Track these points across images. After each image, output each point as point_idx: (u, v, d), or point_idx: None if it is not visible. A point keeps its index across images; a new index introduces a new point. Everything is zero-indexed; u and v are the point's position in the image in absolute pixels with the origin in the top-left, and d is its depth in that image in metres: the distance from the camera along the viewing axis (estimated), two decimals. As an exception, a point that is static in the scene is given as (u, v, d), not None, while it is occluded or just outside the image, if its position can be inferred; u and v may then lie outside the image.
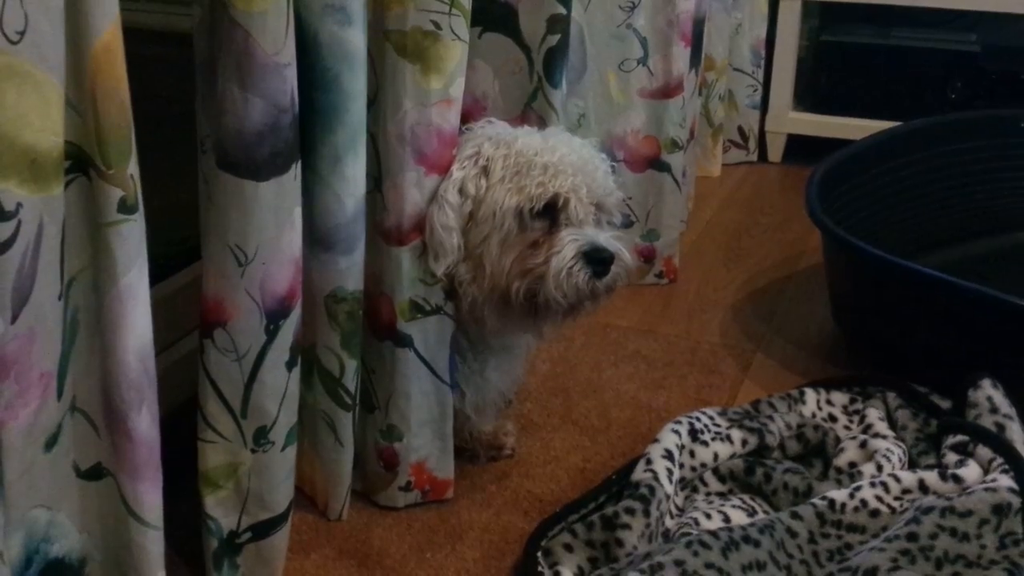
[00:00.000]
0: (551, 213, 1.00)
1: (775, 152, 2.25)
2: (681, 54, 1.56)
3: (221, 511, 0.98)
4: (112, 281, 0.70)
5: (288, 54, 0.84)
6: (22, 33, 0.60)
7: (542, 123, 1.27)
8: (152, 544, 0.77)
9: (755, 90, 2.19)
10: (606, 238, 1.01)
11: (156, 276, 1.13)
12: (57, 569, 0.75)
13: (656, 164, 1.61)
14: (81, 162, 0.69)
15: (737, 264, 1.77)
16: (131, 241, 0.70)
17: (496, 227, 0.99)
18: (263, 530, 0.99)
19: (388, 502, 1.12)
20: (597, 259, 0.99)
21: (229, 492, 0.97)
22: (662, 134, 1.59)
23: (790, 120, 2.21)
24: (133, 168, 0.69)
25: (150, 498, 0.76)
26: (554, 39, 1.24)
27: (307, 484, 1.13)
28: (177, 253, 1.18)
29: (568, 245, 0.99)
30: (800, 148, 2.20)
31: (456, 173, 1.00)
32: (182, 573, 1.01)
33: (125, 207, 0.69)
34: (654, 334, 1.52)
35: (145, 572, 0.78)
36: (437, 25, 0.95)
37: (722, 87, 2.10)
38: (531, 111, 1.28)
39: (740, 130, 2.23)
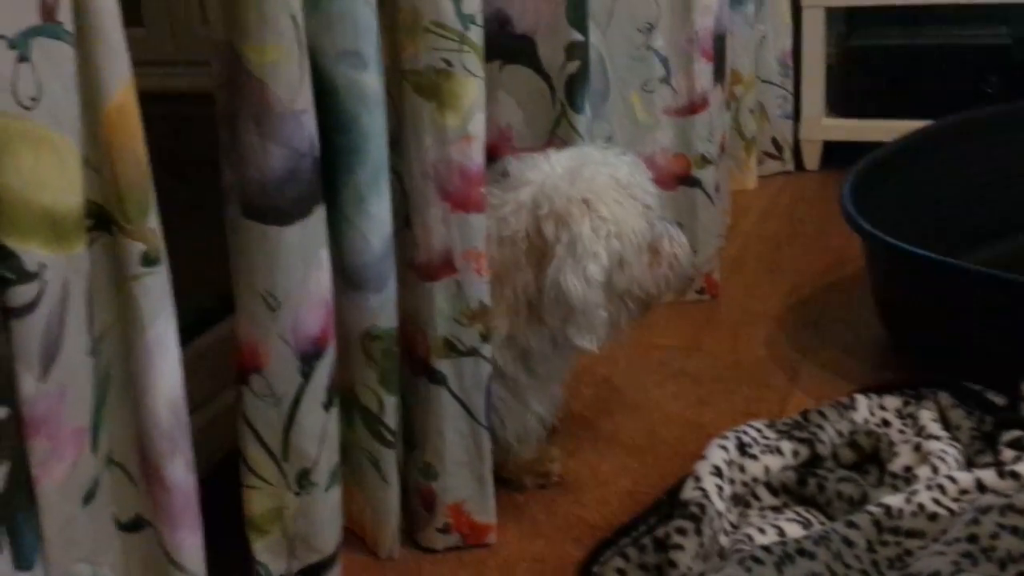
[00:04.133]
0: None
1: (811, 160, 2.23)
2: (703, 70, 1.55)
3: (270, 556, 0.98)
4: (139, 334, 0.71)
5: (304, 100, 0.86)
6: (36, 99, 0.62)
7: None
8: (195, 592, 0.78)
9: (785, 100, 2.18)
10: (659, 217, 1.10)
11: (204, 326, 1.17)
12: (105, 622, 0.76)
13: (687, 181, 1.61)
14: (103, 219, 0.71)
15: (779, 275, 1.75)
16: (155, 293, 0.71)
17: (641, 258, 1.05)
18: (313, 573, 0.99)
19: (427, 544, 1.11)
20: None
21: (276, 536, 0.98)
22: (691, 151, 1.59)
23: (824, 127, 2.18)
24: (153, 222, 0.70)
25: (190, 546, 0.77)
26: (574, 66, 1.25)
27: (356, 524, 1.13)
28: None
29: (675, 234, 1.08)
30: (837, 154, 2.17)
31: (601, 253, 1.01)
32: (237, 621, 1.02)
33: (148, 260, 0.70)
34: (698, 351, 1.51)
35: (191, 620, 0.79)
36: (449, 63, 0.96)
37: (751, 100, 2.09)
38: (556, 138, 1.29)
39: (774, 141, 2.21)
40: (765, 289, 1.70)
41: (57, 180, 0.64)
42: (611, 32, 1.53)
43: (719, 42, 1.66)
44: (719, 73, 1.70)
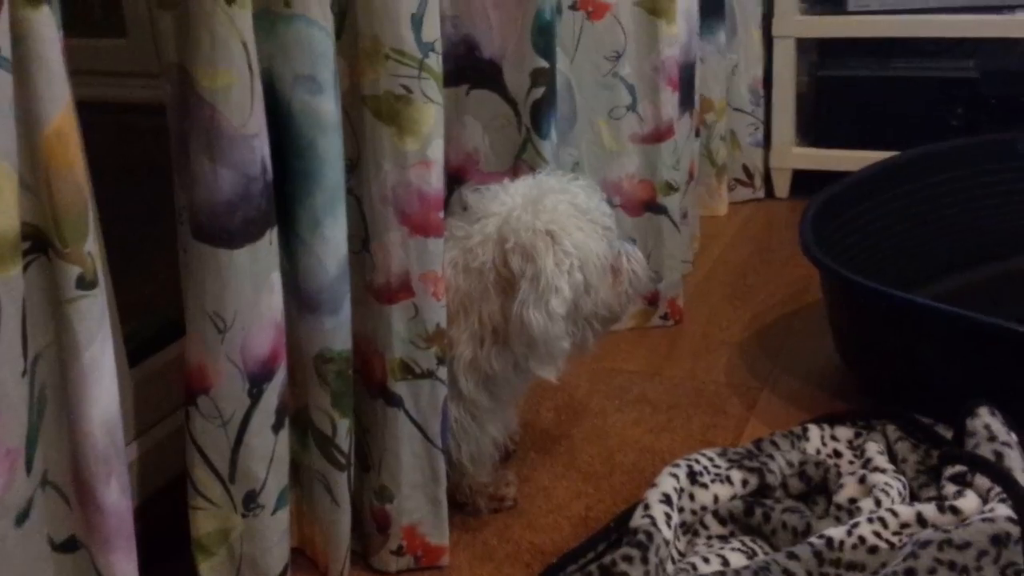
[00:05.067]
0: None
1: (781, 188, 2.25)
2: (669, 99, 1.57)
3: (216, 577, 0.98)
4: (75, 356, 0.71)
5: (255, 125, 0.87)
6: (-29, 123, 0.62)
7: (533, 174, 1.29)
8: (127, 616, 0.78)
9: (756, 128, 2.19)
10: (619, 238, 1.13)
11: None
12: (35, 644, 0.76)
13: (653, 207, 1.62)
14: (40, 242, 0.71)
15: (744, 302, 1.76)
16: (91, 316, 0.71)
17: (605, 281, 1.08)
18: (260, 596, 0.99)
19: (380, 566, 1.12)
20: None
21: (223, 558, 0.98)
22: (656, 177, 1.60)
23: (794, 155, 2.20)
24: (91, 246, 0.71)
25: (123, 569, 0.76)
26: (539, 92, 1.26)
27: (308, 546, 1.13)
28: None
29: (632, 253, 1.11)
30: (807, 183, 2.19)
31: (564, 288, 1.02)
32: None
33: (84, 283, 0.70)
34: (659, 377, 1.52)
35: (121, 644, 0.78)
36: (408, 89, 0.97)
37: (723, 127, 2.11)
38: (522, 163, 1.30)
39: (745, 168, 2.23)
40: (728, 316, 1.71)
41: (-7, 203, 0.64)
42: (578, 59, 1.54)
43: (686, 71, 1.68)
44: (686, 101, 1.71)
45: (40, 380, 0.73)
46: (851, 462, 1.19)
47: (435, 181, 1.01)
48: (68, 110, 0.67)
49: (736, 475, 1.12)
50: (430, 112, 0.99)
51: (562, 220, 1.05)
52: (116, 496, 0.75)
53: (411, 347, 1.04)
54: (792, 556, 0.97)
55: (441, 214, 1.03)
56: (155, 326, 1.19)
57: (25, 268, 0.70)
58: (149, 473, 1.09)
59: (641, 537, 1.02)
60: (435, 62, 0.98)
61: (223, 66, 0.83)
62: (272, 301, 0.92)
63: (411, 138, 0.99)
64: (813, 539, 0.99)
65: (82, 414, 0.73)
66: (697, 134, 1.90)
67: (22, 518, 0.72)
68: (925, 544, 0.93)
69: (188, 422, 0.94)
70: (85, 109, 1.04)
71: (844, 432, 1.23)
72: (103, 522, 0.75)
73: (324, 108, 0.93)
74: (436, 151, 1.01)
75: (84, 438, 0.73)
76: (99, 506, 0.74)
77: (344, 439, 1.04)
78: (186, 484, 0.97)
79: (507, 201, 1.07)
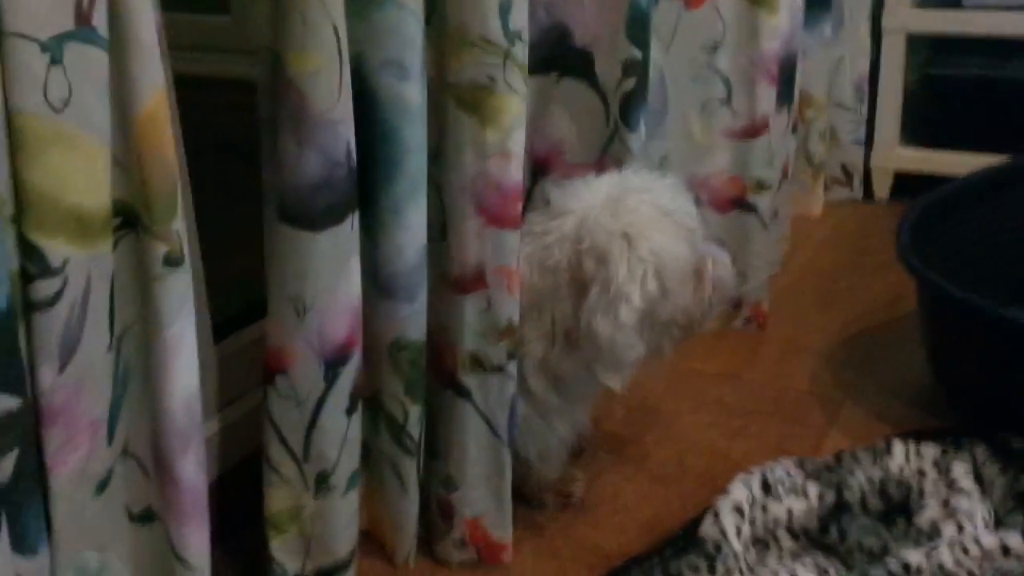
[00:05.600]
0: None
1: (881, 189, 2.17)
2: (766, 93, 1.53)
3: (286, 555, 1.00)
4: (159, 332, 0.73)
5: (342, 110, 0.87)
6: (67, 102, 0.64)
7: (619, 167, 1.27)
8: (196, 588, 0.80)
9: (858, 126, 2.12)
10: (705, 241, 1.10)
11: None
12: (108, 610, 0.78)
13: (742, 205, 1.58)
14: (130, 219, 0.72)
15: (832, 308, 1.71)
16: (176, 294, 0.73)
17: (687, 287, 1.03)
18: (328, 575, 1.00)
19: (443, 555, 1.12)
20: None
21: (293, 536, 0.99)
22: (747, 175, 1.56)
23: (897, 156, 2.13)
24: (179, 224, 0.72)
25: (196, 542, 0.78)
26: (630, 83, 1.23)
27: (376, 529, 1.14)
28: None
29: (718, 259, 1.07)
30: (909, 185, 2.11)
31: (635, 298, 0.99)
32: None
33: (170, 261, 0.72)
34: (738, 380, 1.48)
35: (190, 614, 0.80)
36: (492, 78, 0.96)
37: (822, 124, 2.04)
38: (608, 156, 1.28)
39: (843, 167, 2.16)
40: (815, 322, 1.66)
41: (84, 181, 0.66)
42: (674, 50, 1.51)
43: (786, 65, 1.63)
44: (785, 97, 1.66)
45: (125, 354, 0.75)
46: (935, 482, 1.14)
47: (514, 173, 1.00)
48: (162, 91, 0.68)
49: (813, 489, 1.09)
50: (513, 103, 0.98)
51: (642, 222, 1.01)
52: (192, 470, 0.77)
53: (482, 340, 1.04)
54: (866, 578, 0.94)
55: (519, 206, 1.01)
56: (242, 303, 1.21)
57: (115, 244, 0.72)
58: (228, 447, 1.11)
59: (710, 547, 1.00)
60: (521, 51, 0.97)
61: (313, 50, 0.83)
62: (350, 286, 0.92)
63: (492, 129, 0.98)
64: (890, 562, 0.96)
65: (163, 389, 0.74)
66: (794, 130, 1.85)
67: (102, 487, 0.74)
68: (1008, 576, 0.89)
69: (266, 401, 0.95)
70: (189, 84, 1.07)
71: (930, 450, 1.18)
72: (178, 495, 0.77)
73: (410, 95, 0.92)
74: (517, 143, 0.99)
75: (164, 412, 0.75)
76: (175, 479, 0.76)
77: (415, 426, 1.04)
78: (262, 461, 0.98)
79: (588, 198, 1.05)
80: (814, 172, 2.08)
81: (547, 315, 1.04)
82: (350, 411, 0.97)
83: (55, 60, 0.62)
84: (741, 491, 1.07)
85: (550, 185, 1.12)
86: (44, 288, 0.66)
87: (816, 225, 2.07)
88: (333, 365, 0.94)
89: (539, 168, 1.31)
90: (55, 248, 0.66)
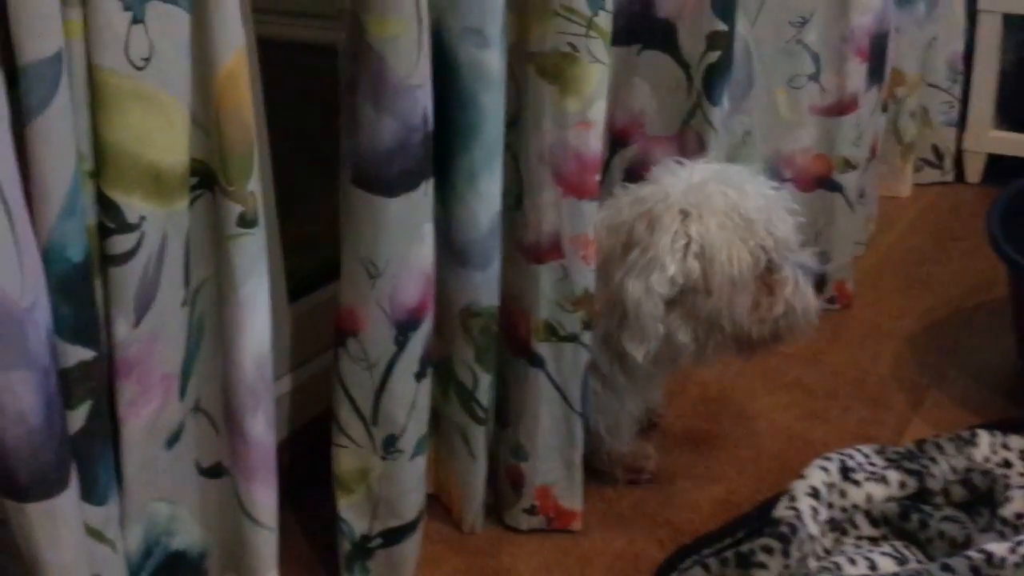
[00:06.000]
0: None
1: (973, 172, 2.09)
2: (856, 70, 1.48)
3: (353, 514, 1.01)
4: (232, 291, 0.74)
5: (420, 76, 0.87)
6: (147, 60, 0.64)
7: (700, 141, 1.24)
8: (264, 544, 0.81)
9: (951, 106, 2.04)
10: (811, 257, 1.04)
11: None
12: (177, 561, 0.80)
13: (827, 184, 1.53)
14: (207, 178, 0.73)
15: (919, 292, 1.65)
16: (249, 254, 0.73)
17: (736, 291, 0.99)
18: (393, 537, 1.01)
19: (512, 522, 1.12)
20: (820, 282, 1.04)
21: (361, 497, 1.00)
22: (834, 152, 1.52)
23: (990, 139, 2.04)
24: (254, 185, 0.73)
25: (263, 499, 0.79)
26: (714, 56, 1.21)
27: (444, 494, 1.14)
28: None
29: (803, 281, 1.01)
30: (1002, 169, 2.03)
31: (670, 266, 0.97)
32: (320, 575, 1.05)
33: (244, 221, 0.73)
34: (819, 362, 1.45)
35: (257, 570, 0.82)
36: (574, 47, 0.95)
37: (914, 103, 1.97)
38: (689, 129, 1.25)
39: (935, 148, 2.08)
40: (901, 305, 1.61)
41: (163, 138, 0.67)
42: (760, 23, 1.47)
43: (878, 41, 1.57)
44: (875, 74, 1.61)
45: (199, 311, 0.76)
46: (1021, 474, 1.10)
47: (594, 143, 0.99)
48: (241, 52, 0.69)
49: (893, 475, 1.06)
50: (595, 72, 0.96)
51: (707, 206, 0.99)
52: (262, 428, 0.78)
53: (557, 309, 1.03)
54: (947, 568, 0.91)
55: (597, 176, 1.00)
56: (317, 264, 1.22)
57: (192, 203, 0.73)
58: (300, 406, 1.13)
59: (784, 529, 0.97)
60: (604, 21, 0.95)
61: (393, 15, 0.83)
62: (423, 251, 0.92)
63: (573, 98, 0.97)
64: (972, 552, 0.92)
65: (235, 347, 0.75)
66: (884, 109, 1.78)
67: (173, 440, 0.76)
68: (1099, 573, 0.85)
69: (337, 362, 0.96)
70: (274, 47, 1.08)
71: (1018, 441, 1.14)
72: (247, 452, 0.78)
73: (490, 62, 0.92)
74: (598, 112, 0.98)
75: (235, 370, 0.76)
76: (245, 436, 0.77)
77: (484, 394, 1.04)
78: (331, 421, 0.99)
79: (680, 175, 1.03)
80: (903, 152, 2.01)
81: (609, 281, 1.03)
82: (420, 376, 0.97)
83: (137, 19, 0.63)
84: (818, 475, 1.04)
85: (657, 168, 1.09)
86: (121, 243, 0.67)
87: (904, 206, 2.00)
88: (404, 329, 0.94)
89: (618, 140, 1.29)
90: (132, 204, 0.67)
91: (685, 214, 0.99)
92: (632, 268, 0.99)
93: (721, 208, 0.99)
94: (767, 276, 1.00)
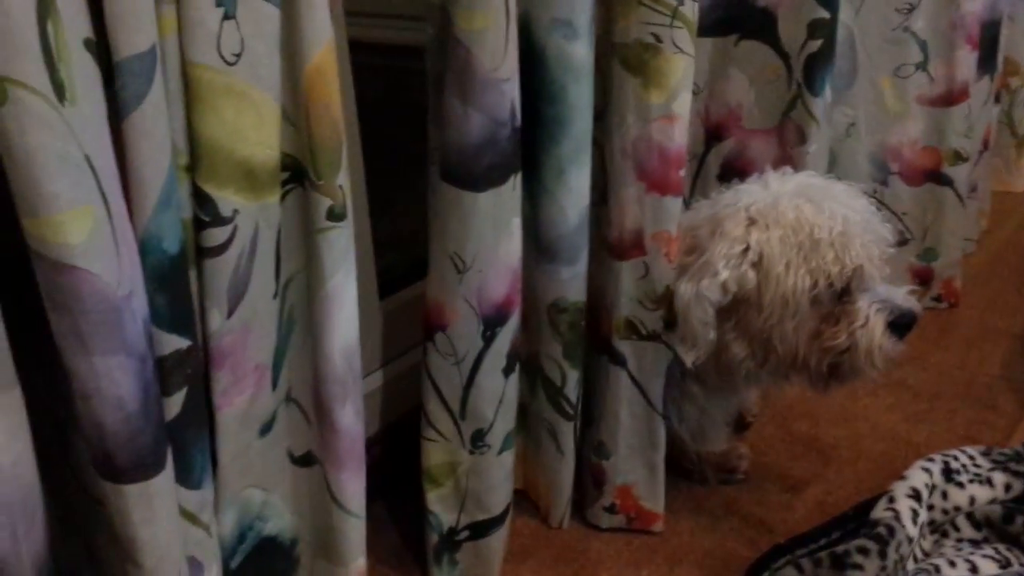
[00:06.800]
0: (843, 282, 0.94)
1: (1096, 165, 1.98)
2: (966, 58, 1.42)
3: (441, 507, 1.02)
4: (320, 283, 0.75)
5: (508, 69, 0.86)
6: (239, 55, 0.66)
7: (800, 134, 1.21)
8: (352, 531, 0.82)
9: (1072, 95, 1.94)
10: (904, 296, 0.96)
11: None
12: (269, 546, 0.82)
13: (936, 177, 1.48)
14: (297, 173, 0.75)
15: (1033, 290, 1.58)
16: (338, 247, 0.75)
17: (789, 312, 0.94)
18: (481, 530, 1.02)
19: (592, 520, 1.11)
20: (903, 324, 0.95)
21: (449, 490, 1.01)
22: (943, 145, 1.46)
23: (1117, 129, 1.93)
24: (343, 179, 0.74)
25: (352, 487, 0.81)
26: (816, 45, 1.17)
27: (531, 489, 1.14)
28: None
29: (875, 317, 0.93)
30: None
31: (722, 272, 0.94)
32: (409, 566, 1.06)
33: (333, 215, 0.74)
34: (923, 362, 1.39)
35: (346, 557, 0.83)
36: (658, 38, 0.93)
37: (1030, 93, 1.89)
38: (789, 121, 1.22)
39: (1054, 140, 1.98)
40: (1013, 304, 1.54)
41: (255, 133, 0.68)
42: (865, 10, 1.42)
43: (989, 29, 1.51)
44: (986, 62, 1.54)
45: (290, 303, 0.78)
46: None
47: (678, 137, 0.97)
48: (329, 48, 0.70)
49: (999, 478, 1.01)
50: (679, 64, 0.94)
51: (775, 217, 0.94)
52: (350, 419, 0.79)
53: (638, 307, 1.01)
54: (1054, 577, 0.86)
55: (682, 172, 0.98)
56: (407, 261, 1.23)
57: (283, 197, 0.74)
58: (391, 401, 1.14)
59: (882, 530, 0.94)
60: (690, 10, 0.93)
61: (481, 9, 0.83)
62: (511, 246, 0.92)
63: (656, 91, 0.95)
64: (1083, 563, 0.88)
65: (324, 338, 0.77)
66: (997, 100, 1.71)
67: (266, 429, 0.78)
68: None
69: (425, 357, 0.97)
70: (364, 49, 1.09)
71: None
72: (337, 442, 0.79)
73: (578, 54, 0.91)
74: (682, 106, 0.96)
75: (325, 361, 0.77)
76: (334, 426, 0.79)
77: (573, 390, 1.04)
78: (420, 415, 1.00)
79: (767, 183, 1.00)
80: (1018, 144, 1.92)
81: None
82: (507, 371, 0.97)
83: (228, 14, 0.65)
84: (920, 476, 1.01)
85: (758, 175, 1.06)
86: (215, 236, 0.69)
87: (1018, 201, 1.92)
88: (491, 324, 0.94)
89: (713, 134, 1.27)
90: (226, 198, 0.69)
91: (751, 222, 0.96)
92: (688, 272, 0.97)
93: (789, 222, 0.94)
94: (835, 304, 0.94)
